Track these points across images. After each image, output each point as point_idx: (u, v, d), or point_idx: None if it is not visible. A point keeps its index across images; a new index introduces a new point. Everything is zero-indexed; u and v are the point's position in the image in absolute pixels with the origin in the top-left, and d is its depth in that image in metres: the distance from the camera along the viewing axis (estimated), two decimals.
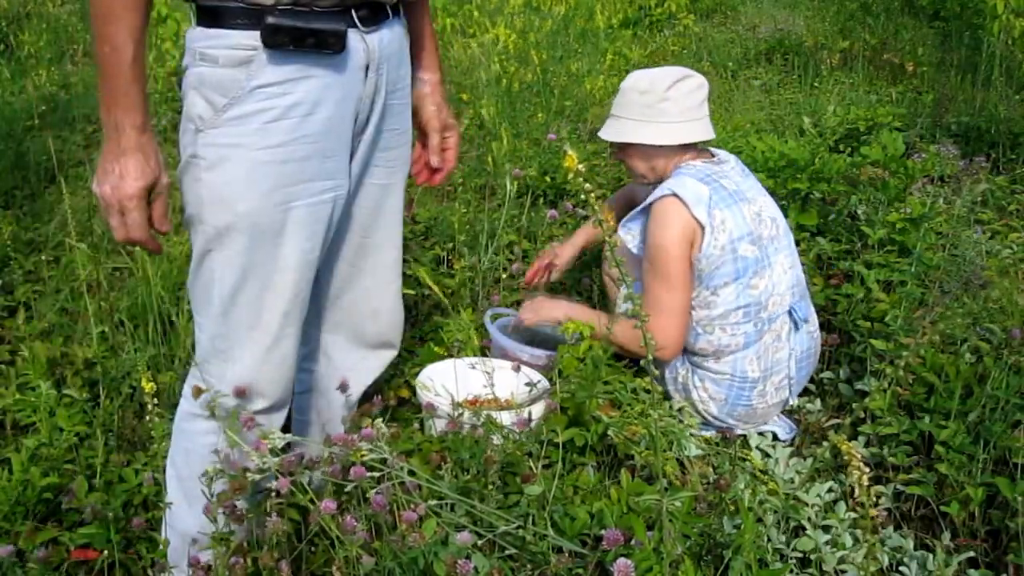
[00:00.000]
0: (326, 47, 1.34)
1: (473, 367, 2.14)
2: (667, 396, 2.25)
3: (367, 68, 1.43)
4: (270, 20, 1.30)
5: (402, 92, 1.56)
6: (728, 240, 2.03)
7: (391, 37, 1.47)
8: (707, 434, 2.14)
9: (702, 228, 2.02)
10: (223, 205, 1.36)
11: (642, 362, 2.20)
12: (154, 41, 4.70)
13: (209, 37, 1.34)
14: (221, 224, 1.36)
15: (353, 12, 1.38)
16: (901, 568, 1.64)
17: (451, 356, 2.22)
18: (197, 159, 1.36)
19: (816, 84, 5.00)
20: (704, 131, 2.13)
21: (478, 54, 4.87)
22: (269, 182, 1.37)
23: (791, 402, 2.17)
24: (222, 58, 1.33)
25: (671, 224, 2.03)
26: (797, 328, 2.12)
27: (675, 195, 2.03)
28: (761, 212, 2.12)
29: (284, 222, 1.39)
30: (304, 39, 1.32)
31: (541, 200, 3.41)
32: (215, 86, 1.34)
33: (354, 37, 1.39)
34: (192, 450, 1.49)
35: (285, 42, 1.31)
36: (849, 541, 1.65)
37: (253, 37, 1.31)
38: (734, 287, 2.05)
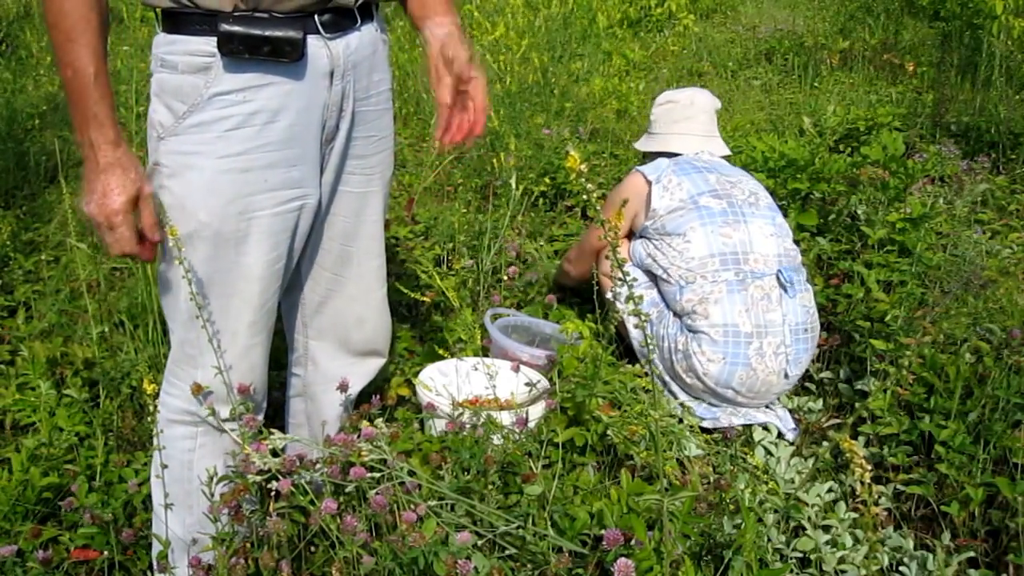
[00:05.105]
0: (282, 55, 1.31)
1: (476, 368, 2.14)
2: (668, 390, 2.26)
3: (332, 75, 1.39)
4: (224, 27, 1.28)
5: (376, 98, 1.52)
6: (687, 195, 2.27)
7: (359, 43, 1.43)
8: (706, 421, 2.15)
9: (649, 184, 2.31)
10: (185, 213, 1.35)
11: (642, 361, 2.23)
12: (152, 43, 4.72)
13: (169, 43, 1.33)
14: (184, 232, 1.35)
15: (315, 18, 1.35)
16: (901, 568, 1.64)
17: (452, 356, 2.23)
18: (160, 167, 1.36)
19: (816, 84, 5.00)
20: (679, 145, 2.44)
21: (478, 54, 4.88)
22: (230, 191, 1.35)
23: (790, 375, 2.18)
24: (181, 64, 1.31)
25: (622, 185, 2.43)
26: (787, 292, 2.16)
27: (638, 170, 2.38)
28: (738, 183, 2.32)
29: (247, 231, 1.38)
30: (259, 47, 1.30)
31: (541, 200, 3.41)
32: (175, 93, 1.32)
33: (316, 44, 1.36)
34: (171, 455, 1.49)
35: (240, 50, 1.29)
36: (849, 541, 1.65)
37: (210, 43, 1.30)
38: (703, 232, 2.20)
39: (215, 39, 1.29)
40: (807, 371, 2.30)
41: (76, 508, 1.71)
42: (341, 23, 1.40)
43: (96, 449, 1.96)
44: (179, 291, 1.41)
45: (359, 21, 1.43)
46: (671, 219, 2.24)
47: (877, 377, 2.18)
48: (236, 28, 1.28)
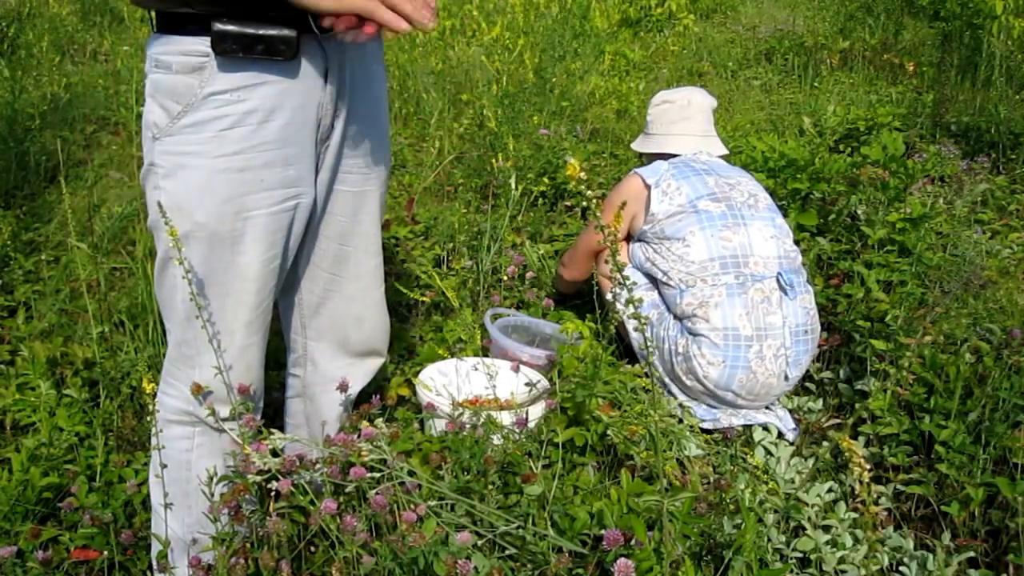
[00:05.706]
0: (276, 54, 1.31)
1: (476, 368, 2.14)
2: (668, 391, 2.26)
3: (326, 73, 1.39)
4: (218, 26, 1.27)
5: (371, 97, 1.52)
6: (687, 200, 2.26)
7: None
8: (706, 423, 2.15)
9: (648, 188, 2.30)
10: (181, 213, 1.35)
11: (641, 363, 2.23)
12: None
13: (164, 43, 1.32)
14: (180, 232, 1.34)
15: (309, 16, 1.33)
16: (901, 568, 1.64)
17: (452, 356, 2.23)
18: (155, 167, 1.36)
19: (816, 84, 5.00)
20: (677, 145, 2.44)
21: (477, 54, 4.88)
22: (226, 191, 1.35)
23: (790, 377, 2.18)
24: (175, 64, 1.31)
25: (620, 187, 2.42)
26: (787, 295, 2.16)
27: (636, 173, 2.37)
28: (737, 185, 2.32)
29: (243, 231, 1.38)
30: (253, 46, 1.29)
31: (540, 200, 3.41)
32: (169, 93, 1.32)
33: (310, 42, 1.36)
34: (169, 455, 1.49)
35: (234, 49, 1.29)
36: (849, 541, 1.65)
37: (204, 43, 1.29)
38: (702, 236, 2.20)
39: (209, 39, 1.29)
40: (807, 371, 2.30)
41: (76, 508, 1.71)
42: None
43: (96, 449, 1.96)
44: (175, 291, 1.41)
45: None
46: (670, 223, 2.24)
47: (877, 377, 2.18)
48: (230, 27, 1.28)
